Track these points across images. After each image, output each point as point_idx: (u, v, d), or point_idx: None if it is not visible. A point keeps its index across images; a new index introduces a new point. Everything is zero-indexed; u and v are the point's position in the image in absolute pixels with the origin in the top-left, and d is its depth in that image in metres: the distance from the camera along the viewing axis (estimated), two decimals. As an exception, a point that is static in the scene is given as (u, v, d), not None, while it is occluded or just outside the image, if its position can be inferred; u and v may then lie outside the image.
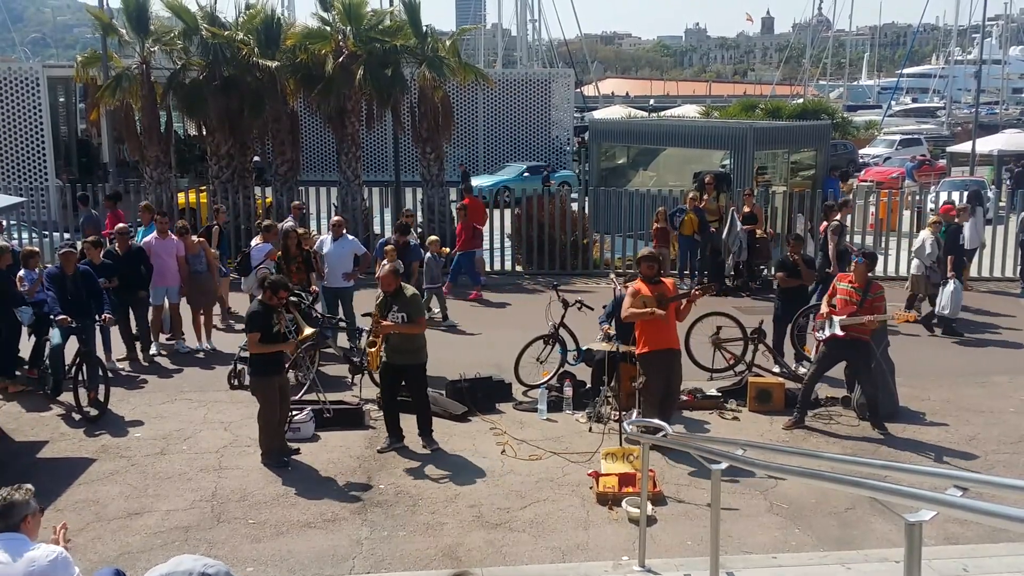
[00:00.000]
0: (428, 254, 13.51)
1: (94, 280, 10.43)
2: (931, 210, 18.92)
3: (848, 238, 14.11)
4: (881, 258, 17.44)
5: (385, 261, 12.47)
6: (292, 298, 9.17)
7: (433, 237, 14.09)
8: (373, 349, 8.50)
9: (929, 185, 26.13)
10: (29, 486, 4.12)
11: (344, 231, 12.50)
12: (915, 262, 13.72)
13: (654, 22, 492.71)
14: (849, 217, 15.14)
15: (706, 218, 16.15)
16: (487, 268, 17.63)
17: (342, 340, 11.93)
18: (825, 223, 14.06)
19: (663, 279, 8.85)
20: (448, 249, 15.50)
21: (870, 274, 9.43)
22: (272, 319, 8.30)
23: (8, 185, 21.93)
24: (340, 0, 17.93)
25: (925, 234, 13.72)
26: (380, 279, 8.76)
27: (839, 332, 9.09)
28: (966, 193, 17.91)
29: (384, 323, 8.53)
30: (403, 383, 8.85)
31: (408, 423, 8.85)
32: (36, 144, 25.39)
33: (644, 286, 8.62)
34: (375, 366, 8.58)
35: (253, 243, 12.46)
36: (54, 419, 9.60)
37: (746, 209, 16.01)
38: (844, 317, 9.08)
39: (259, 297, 8.47)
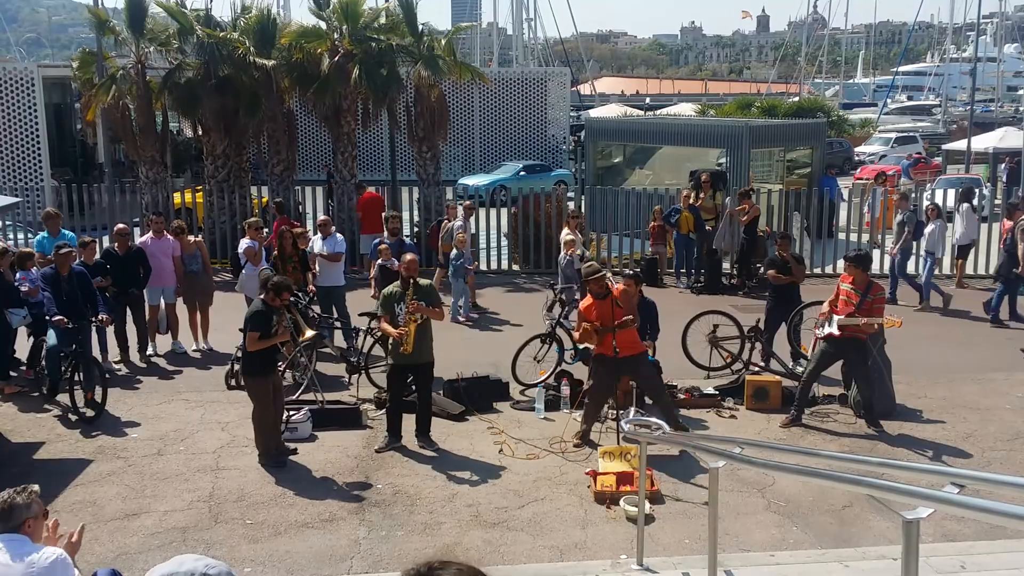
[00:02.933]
0: (563, 253, 13.51)
1: (89, 281, 10.40)
2: (927, 207, 18.92)
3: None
4: (877, 255, 17.48)
5: (380, 260, 12.55)
6: (291, 298, 9.17)
7: (569, 237, 13.99)
8: (414, 324, 8.47)
9: (925, 183, 26.15)
10: (35, 488, 4.11)
11: (333, 229, 12.58)
12: None
13: (650, 20, 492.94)
14: None
15: (702, 216, 16.14)
16: (484, 267, 17.67)
17: (338, 341, 11.91)
18: (1008, 222, 14.05)
19: (614, 286, 8.97)
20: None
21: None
22: (272, 320, 8.31)
23: (3, 185, 21.86)
24: (336, -1, 17.93)
25: None
26: (406, 265, 8.78)
27: (835, 331, 9.18)
28: (960, 190, 17.91)
29: (418, 304, 8.50)
30: (414, 383, 8.90)
31: (406, 423, 8.85)
32: (31, 144, 25.32)
33: (591, 305, 8.76)
34: (411, 347, 8.55)
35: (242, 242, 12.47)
36: (51, 420, 9.58)
37: (743, 206, 15.95)
38: (842, 317, 9.16)
39: (261, 297, 8.46)
